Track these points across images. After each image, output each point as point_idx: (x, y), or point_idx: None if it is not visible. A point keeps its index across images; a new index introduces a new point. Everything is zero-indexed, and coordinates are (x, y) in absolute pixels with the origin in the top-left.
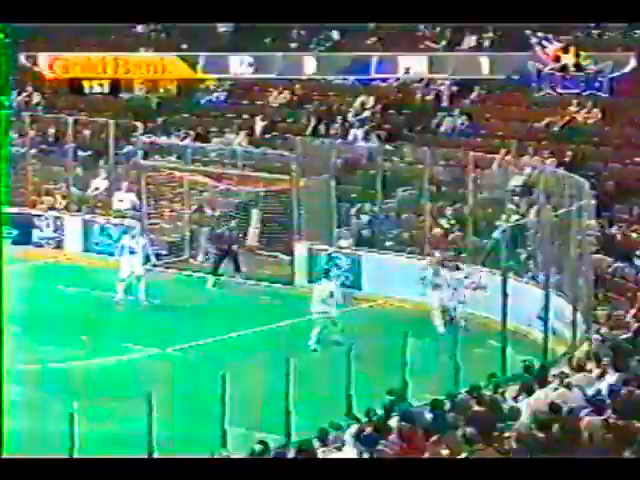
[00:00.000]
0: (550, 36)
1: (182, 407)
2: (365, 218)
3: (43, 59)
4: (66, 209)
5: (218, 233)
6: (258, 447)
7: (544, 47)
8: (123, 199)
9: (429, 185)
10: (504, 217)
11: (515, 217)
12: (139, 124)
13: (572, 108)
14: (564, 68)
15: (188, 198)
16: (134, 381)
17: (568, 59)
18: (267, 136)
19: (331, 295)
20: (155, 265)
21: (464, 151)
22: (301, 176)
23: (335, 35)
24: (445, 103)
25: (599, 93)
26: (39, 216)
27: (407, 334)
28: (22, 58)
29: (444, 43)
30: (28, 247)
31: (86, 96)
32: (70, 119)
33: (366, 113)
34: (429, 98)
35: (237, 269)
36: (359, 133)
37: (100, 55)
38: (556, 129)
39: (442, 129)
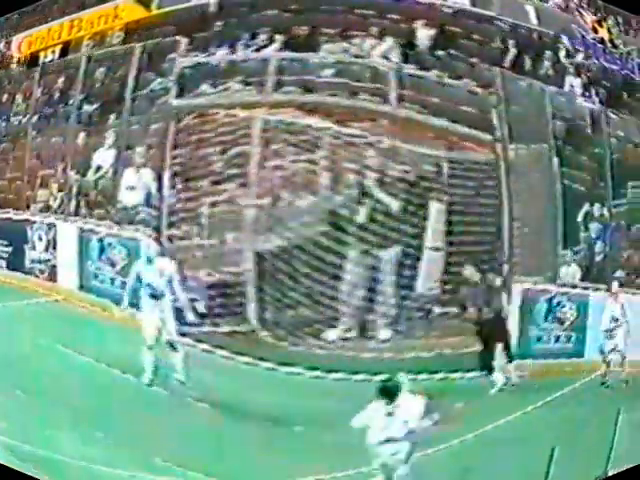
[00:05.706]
0: (585, 4)
1: None
2: (595, 228)
3: (15, 42)
4: (61, 208)
5: None
6: None
7: (582, 15)
8: (135, 184)
9: None
10: None
11: None
12: (182, 38)
13: None
14: (602, 41)
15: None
16: None
17: (603, 33)
18: (439, 53)
19: None
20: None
21: None
22: (509, 140)
23: None
24: None
25: (633, 75)
26: (32, 223)
27: None
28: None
29: None
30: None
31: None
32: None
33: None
34: None
35: None
36: (576, 84)
37: (57, 22)
38: None
39: None
